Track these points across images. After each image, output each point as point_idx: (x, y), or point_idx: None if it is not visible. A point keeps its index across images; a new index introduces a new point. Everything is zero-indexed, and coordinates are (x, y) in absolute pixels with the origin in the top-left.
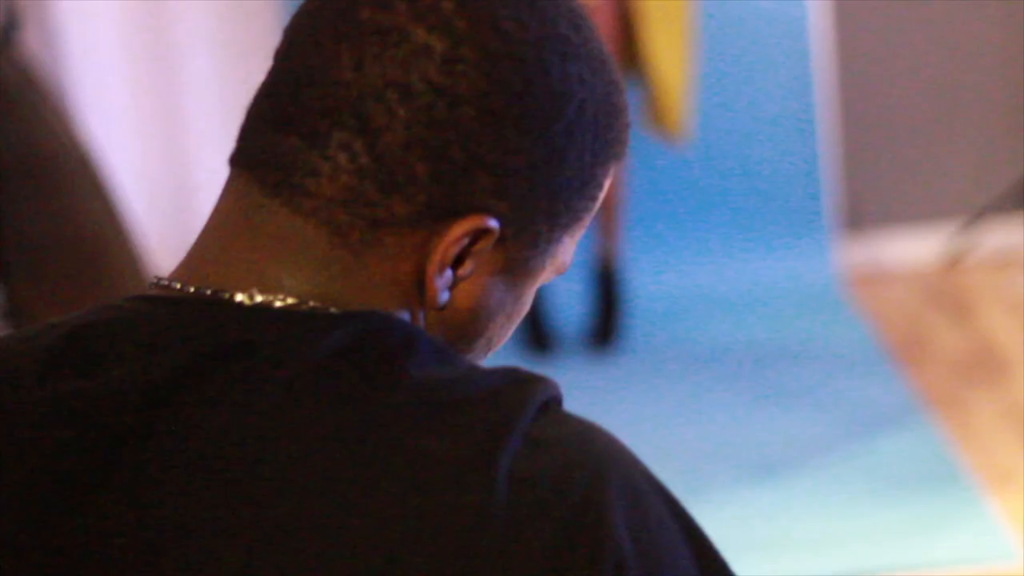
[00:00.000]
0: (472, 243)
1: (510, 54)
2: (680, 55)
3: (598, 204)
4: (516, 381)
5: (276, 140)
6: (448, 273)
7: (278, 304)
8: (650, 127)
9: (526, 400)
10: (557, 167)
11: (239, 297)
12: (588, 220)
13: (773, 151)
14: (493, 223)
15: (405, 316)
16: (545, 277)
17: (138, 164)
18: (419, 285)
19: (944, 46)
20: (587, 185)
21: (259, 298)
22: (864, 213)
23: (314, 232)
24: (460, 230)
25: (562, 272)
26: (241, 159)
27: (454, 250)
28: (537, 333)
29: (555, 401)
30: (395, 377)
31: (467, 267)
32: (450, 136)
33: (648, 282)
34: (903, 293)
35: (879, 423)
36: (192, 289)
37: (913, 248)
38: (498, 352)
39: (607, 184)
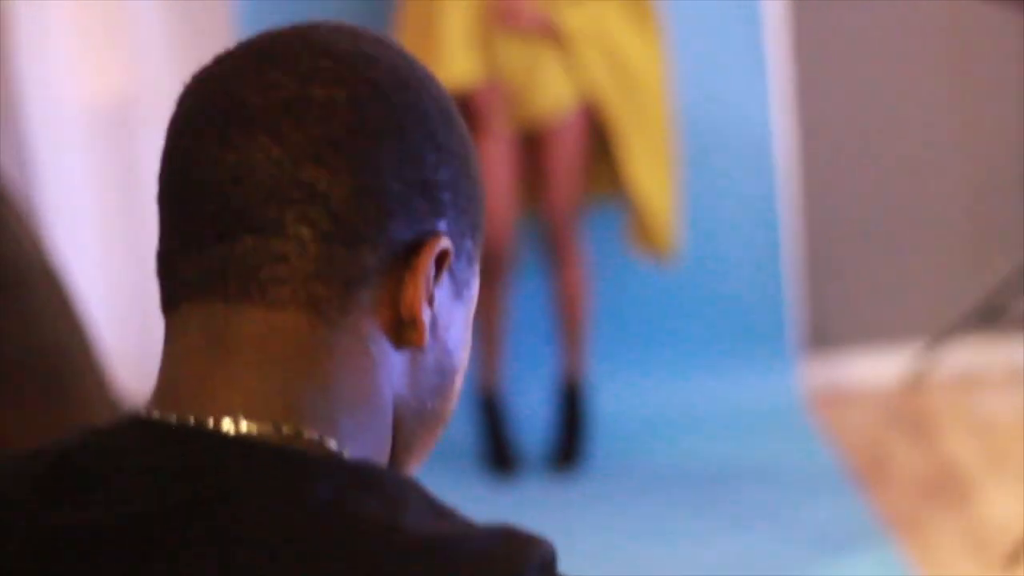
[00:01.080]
0: (437, 270)
1: (395, 82)
2: (665, 174)
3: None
4: (513, 541)
5: (223, 251)
6: (426, 309)
7: (264, 430)
8: (637, 247)
9: (525, 563)
10: (466, 176)
11: (225, 425)
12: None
13: (737, 271)
14: (447, 242)
15: (393, 381)
16: (472, 309)
17: (102, 278)
18: (397, 334)
19: (907, 167)
20: (481, 201)
21: (244, 425)
22: (827, 333)
23: (293, 321)
24: (428, 257)
25: (472, 307)
26: (184, 294)
27: (429, 279)
28: (500, 453)
29: (551, 562)
30: (388, 534)
31: (437, 296)
32: (385, 170)
33: (611, 401)
34: (865, 414)
35: (840, 545)
36: (175, 418)
37: (875, 368)
38: (463, 470)
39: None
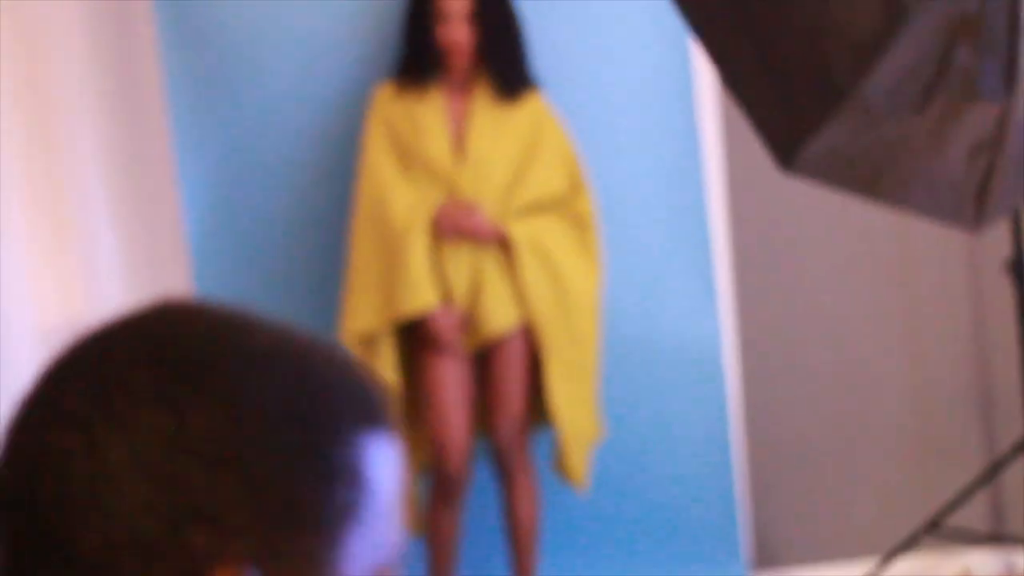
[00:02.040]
0: None
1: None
2: (586, 403)
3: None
4: None
5: None
6: None
7: None
8: (557, 471)
9: None
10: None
11: None
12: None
13: (689, 488)
14: (246, 568)
15: None
16: None
17: None
18: None
19: (851, 383)
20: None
21: None
22: (775, 551)
23: None
24: None
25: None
26: None
27: None
28: None
29: None
30: None
31: None
32: (181, 491)
33: None
34: None
35: None
36: None
37: None
38: None
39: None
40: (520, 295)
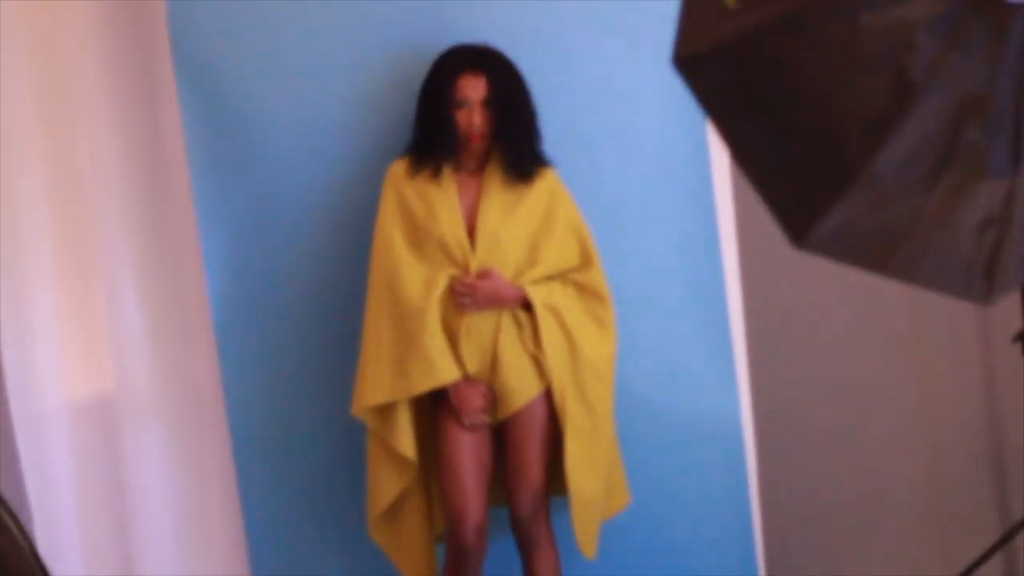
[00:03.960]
0: None
1: None
2: (597, 476)
3: None
4: None
5: None
6: None
7: None
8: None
9: None
10: None
11: None
12: None
13: (708, 562)
14: None
15: None
16: None
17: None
18: None
19: (867, 456)
20: None
21: None
22: None
23: None
24: None
25: None
26: None
27: None
28: None
29: None
30: None
31: None
32: None
33: None
34: None
35: None
36: None
37: None
38: None
39: None
40: (539, 362)
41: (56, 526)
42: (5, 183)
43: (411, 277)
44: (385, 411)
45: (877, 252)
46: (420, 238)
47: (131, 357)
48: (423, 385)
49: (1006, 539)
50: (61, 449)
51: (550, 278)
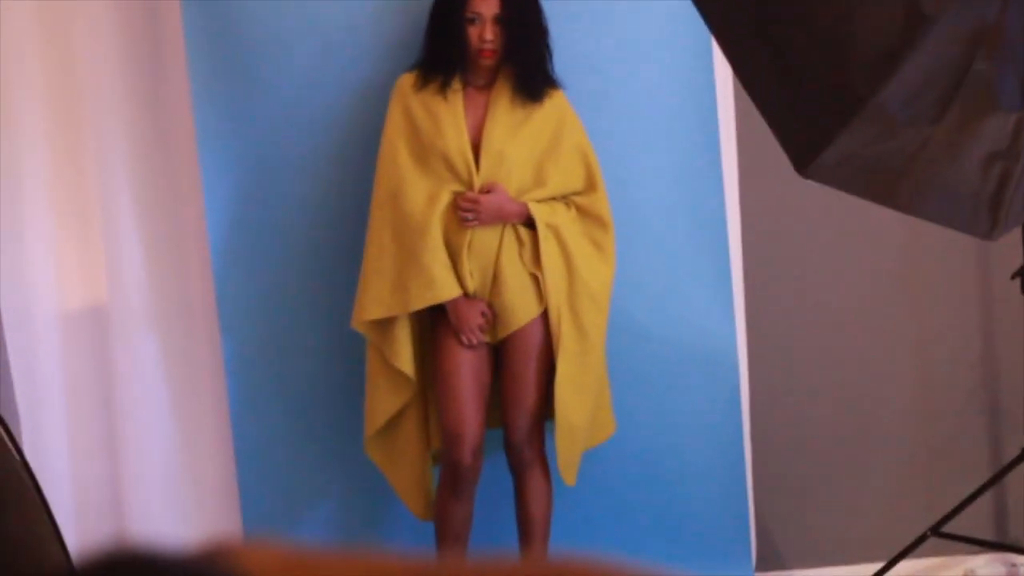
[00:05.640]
0: None
1: None
2: (583, 402)
3: None
4: None
5: None
6: None
7: None
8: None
9: None
10: None
11: None
12: None
13: (701, 491)
14: None
15: None
16: None
17: (72, 481)
18: None
19: (859, 391)
20: None
21: None
22: (778, 555)
23: None
24: None
25: None
26: None
27: None
28: None
29: None
30: None
31: None
32: None
33: None
34: None
35: None
36: None
37: None
38: None
39: None
40: (539, 282)
41: (44, 434)
42: (4, 97)
43: (414, 191)
44: (385, 326)
45: (882, 182)
46: (425, 152)
47: (125, 267)
48: (422, 300)
49: (997, 478)
50: (52, 357)
51: (553, 199)
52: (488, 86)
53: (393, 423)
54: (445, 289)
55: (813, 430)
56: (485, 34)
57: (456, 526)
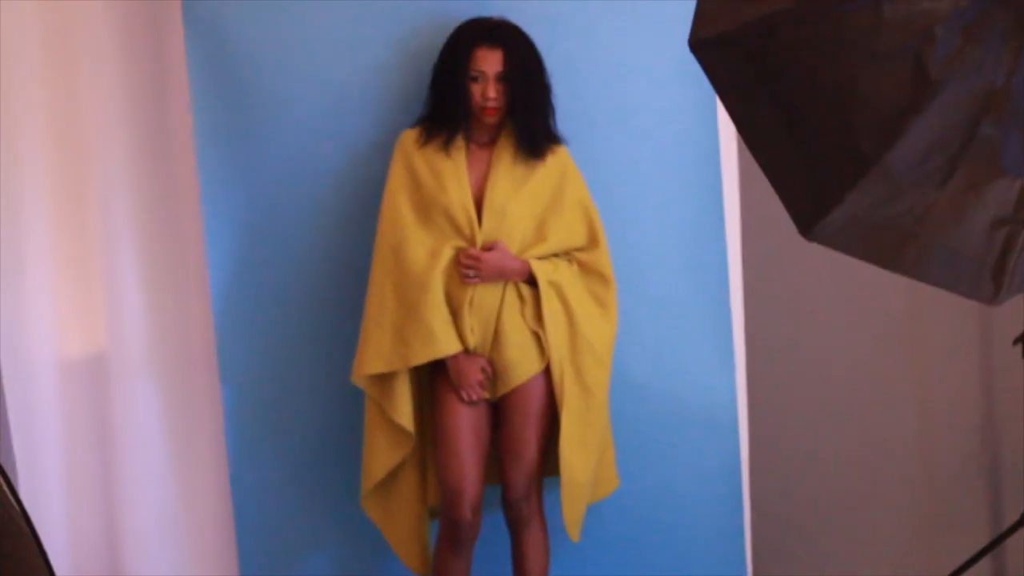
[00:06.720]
0: None
1: None
2: (587, 459)
3: None
4: None
5: None
6: None
7: None
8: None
9: None
10: None
11: None
12: None
13: (697, 550)
14: None
15: None
16: None
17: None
18: None
19: (861, 454)
20: None
21: None
22: None
23: None
24: None
25: None
26: None
27: None
28: None
29: None
30: None
31: None
32: None
33: None
34: None
35: None
36: None
37: None
38: None
39: None
40: (540, 340)
41: (42, 482)
42: (6, 139)
43: (416, 246)
44: (385, 380)
45: (886, 246)
46: (427, 208)
47: (125, 316)
48: (422, 356)
49: (997, 542)
50: (50, 405)
51: (555, 255)
52: (491, 143)
53: (391, 477)
54: (445, 345)
55: (813, 491)
56: (488, 91)
57: None
